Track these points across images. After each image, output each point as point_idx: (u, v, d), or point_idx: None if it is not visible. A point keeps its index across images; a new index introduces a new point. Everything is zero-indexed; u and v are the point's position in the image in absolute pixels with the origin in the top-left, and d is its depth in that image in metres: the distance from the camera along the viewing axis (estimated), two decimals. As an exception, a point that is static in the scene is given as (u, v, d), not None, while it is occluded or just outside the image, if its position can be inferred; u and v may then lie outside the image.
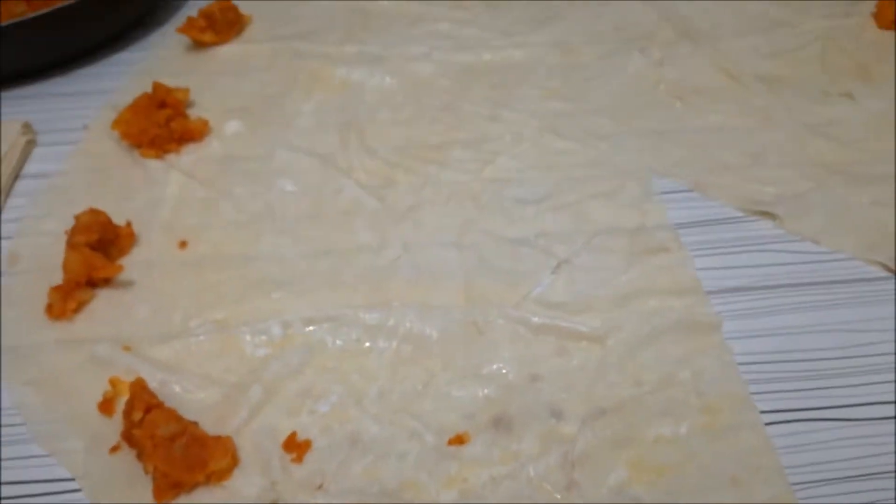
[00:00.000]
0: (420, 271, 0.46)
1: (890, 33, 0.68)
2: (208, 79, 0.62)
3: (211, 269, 0.46)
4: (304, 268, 0.46)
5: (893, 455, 0.37)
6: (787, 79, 0.63)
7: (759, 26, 0.69)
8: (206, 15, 0.65)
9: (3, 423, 0.39)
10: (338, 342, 0.42)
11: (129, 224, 0.48)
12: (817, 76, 0.63)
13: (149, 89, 0.57)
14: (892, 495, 0.35)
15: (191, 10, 0.69)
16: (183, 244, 0.48)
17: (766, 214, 0.50)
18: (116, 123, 0.54)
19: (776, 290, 0.45)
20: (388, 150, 0.55)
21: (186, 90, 0.58)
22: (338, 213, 0.50)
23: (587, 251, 0.48)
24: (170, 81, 0.59)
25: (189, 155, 0.55)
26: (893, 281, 0.46)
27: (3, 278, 0.46)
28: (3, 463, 0.37)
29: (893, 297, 0.45)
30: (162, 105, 0.56)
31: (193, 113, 0.58)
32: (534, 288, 0.45)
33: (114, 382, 0.39)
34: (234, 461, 0.36)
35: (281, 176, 0.53)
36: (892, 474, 0.36)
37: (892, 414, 0.38)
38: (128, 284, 0.45)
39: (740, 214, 0.51)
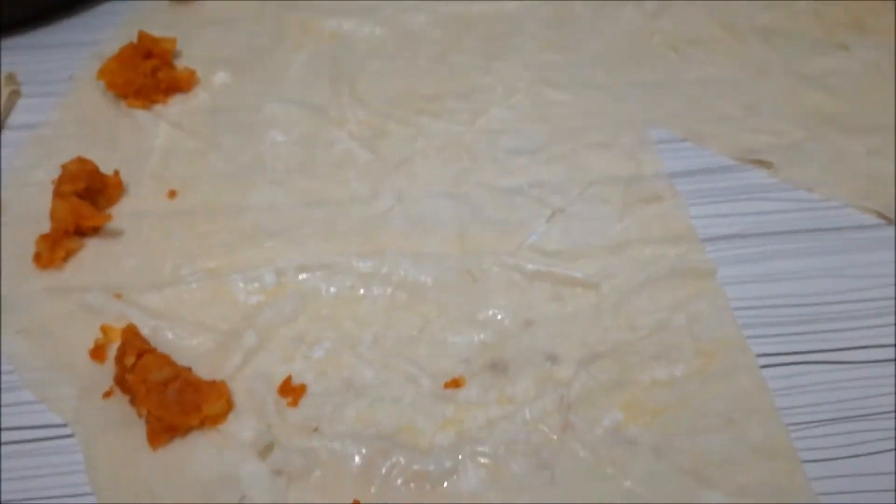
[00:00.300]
0: (413, 221, 0.46)
1: None
2: (195, 30, 0.61)
3: (201, 219, 0.46)
4: (296, 218, 0.46)
5: (889, 396, 0.37)
6: (782, 30, 0.62)
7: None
8: (191, -35, 0.63)
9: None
10: (331, 289, 0.41)
11: (116, 173, 0.47)
12: (812, 28, 0.62)
13: (135, 40, 0.56)
14: (887, 435, 0.35)
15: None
16: (172, 194, 0.47)
17: (760, 163, 0.50)
18: (102, 73, 0.53)
19: (770, 237, 0.45)
20: (380, 101, 0.55)
21: (173, 40, 0.57)
22: (330, 165, 0.50)
23: (582, 200, 0.47)
24: (156, 32, 0.57)
25: (176, 106, 0.54)
26: (889, 228, 0.46)
27: (-10, 229, 0.45)
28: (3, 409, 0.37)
29: (888, 243, 0.45)
30: (148, 55, 0.55)
31: (180, 64, 0.57)
32: (528, 236, 0.45)
33: (105, 329, 0.38)
34: (229, 405, 0.36)
35: (271, 127, 0.52)
36: (888, 415, 0.36)
37: (889, 357, 0.39)
38: (117, 234, 0.44)
39: (735, 163, 0.50)
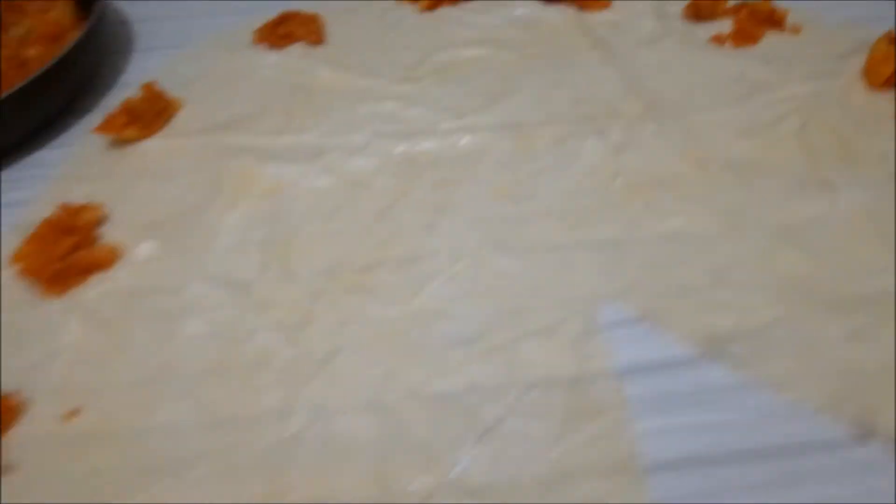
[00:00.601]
0: (327, 450, 0.41)
1: (882, 96, 0.62)
2: (129, 183, 0.58)
3: (97, 448, 0.42)
4: (197, 446, 0.42)
5: None
6: (761, 164, 0.57)
7: (734, 93, 0.63)
8: (127, 110, 0.60)
9: None
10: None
11: (14, 394, 0.43)
12: (795, 159, 0.57)
13: (64, 198, 0.53)
14: None
15: (116, 97, 0.64)
16: (72, 414, 0.43)
17: (723, 353, 0.45)
18: (17, 257, 0.50)
19: (726, 461, 0.40)
20: (312, 273, 0.51)
21: (98, 207, 0.54)
22: (245, 366, 0.45)
23: (517, 412, 0.43)
24: (86, 188, 0.55)
25: (94, 289, 0.50)
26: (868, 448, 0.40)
27: None
28: None
29: (876, 469, 0.39)
30: (69, 230, 0.51)
31: (107, 230, 0.54)
32: (455, 465, 0.40)
33: None
34: None
35: (191, 315, 0.48)
36: None
37: None
38: (8, 470, 0.41)
39: (694, 354, 0.45)
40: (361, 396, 0.44)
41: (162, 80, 0.65)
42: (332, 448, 0.41)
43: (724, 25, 0.71)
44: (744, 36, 0.69)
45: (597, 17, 0.73)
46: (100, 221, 0.54)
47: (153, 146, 0.61)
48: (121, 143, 0.61)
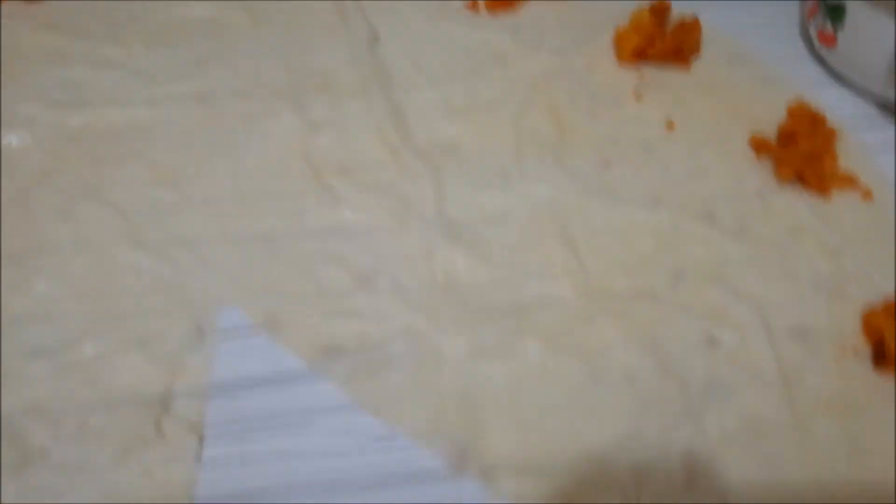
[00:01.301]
0: None
1: (627, 72, 0.57)
2: None
3: None
4: None
5: None
6: (460, 150, 0.51)
7: (466, 67, 0.57)
8: None
9: None
10: None
11: None
12: (499, 145, 0.51)
13: None
14: None
15: None
16: None
17: (332, 368, 0.40)
18: None
19: (298, 494, 0.35)
20: None
21: None
22: None
23: (73, 439, 0.37)
24: None
25: None
26: None
27: None
28: None
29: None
30: None
31: None
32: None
33: None
34: None
35: None
36: None
37: None
38: None
39: (301, 369, 0.40)
40: None
41: None
42: None
43: (490, -13, 0.64)
44: (500, 0, 0.62)
45: (357, -26, 0.65)
46: None
47: None
48: None
